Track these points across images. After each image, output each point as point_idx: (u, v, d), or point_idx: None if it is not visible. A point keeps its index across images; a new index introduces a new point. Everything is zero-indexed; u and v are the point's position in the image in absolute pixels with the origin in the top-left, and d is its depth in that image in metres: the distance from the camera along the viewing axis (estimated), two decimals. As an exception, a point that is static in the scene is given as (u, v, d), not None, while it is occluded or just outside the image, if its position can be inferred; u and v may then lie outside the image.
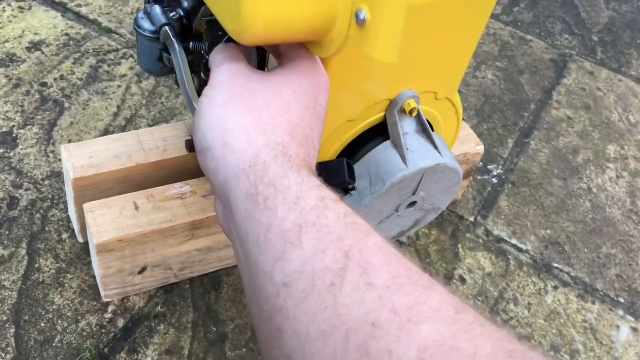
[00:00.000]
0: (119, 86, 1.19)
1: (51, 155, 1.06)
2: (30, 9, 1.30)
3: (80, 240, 0.94)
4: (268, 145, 0.50)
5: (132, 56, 1.25)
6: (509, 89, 1.41)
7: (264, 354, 0.43)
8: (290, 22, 0.52)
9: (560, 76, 1.47)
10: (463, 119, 1.11)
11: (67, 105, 1.14)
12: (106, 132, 1.11)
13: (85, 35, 1.27)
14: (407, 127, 0.79)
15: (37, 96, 1.14)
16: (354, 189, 0.79)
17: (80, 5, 1.33)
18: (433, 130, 0.85)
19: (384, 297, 0.36)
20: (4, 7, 1.29)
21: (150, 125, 1.13)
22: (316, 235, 0.41)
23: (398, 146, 0.78)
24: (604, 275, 1.10)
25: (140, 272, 0.88)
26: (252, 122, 0.52)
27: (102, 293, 0.89)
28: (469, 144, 1.05)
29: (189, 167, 0.90)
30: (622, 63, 1.55)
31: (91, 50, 1.23)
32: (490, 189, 1.19)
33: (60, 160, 1.05)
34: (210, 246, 0.91)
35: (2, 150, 1.05)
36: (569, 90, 1.44)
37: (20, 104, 1.12)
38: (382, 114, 0.79)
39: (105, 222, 0.82)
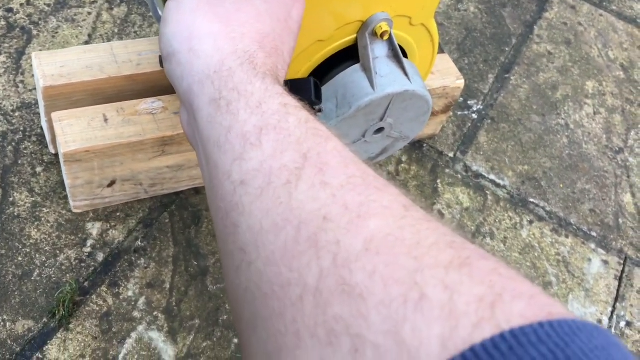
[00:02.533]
0: (89, 13, 1.13)
1: (20, 85, 1.02)
2: None
3: (52, 151, 0.93)
4: (235, 53, 0.50)
5: (102, -19, 1.19)
6: (490, 22, 1.39)
7: (220, 248, 0.44)
8: None
9: (542, 10, 1.45)
10: (445, 52, 1.10)
11: (35, 32, 1.09)
12: (78, 62, 1.06)
13: (51, -42, 1.20)
14: (378, 51, 0.78)
15: (3, 23, 1.08)
16: (320, 110, 0.78)
17: None
18: (407, 57, 0.84)
19: (337, 194, 0.37)
20: None
21: (123, 55, 1.08)
22: (276, 138, 0.42)
23: (367, 70, 0.77)
24: (578, 210, 1.12)
25: (110, 186, 0.88)
26: (220, 29, 0.51)
27: (71, 203, 0.89)
28: (449, 77, 1.04)
29: (162, 83, 0.88)
30: (604, -3, 1.53)
31: (58, -26, 1.17)
32: (469, 124, 1.19)
33: (30, 90, 1.01)
34: (182, 164, 0.90)
35: (-32, 80, 1.00)
36: (550, 24, 1.42)
37: (-15, 30, 1.07)
38: (354, 36, 0.77)
39: (73, 132, 0.81)
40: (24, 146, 0.95)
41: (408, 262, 0.32)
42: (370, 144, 0.86)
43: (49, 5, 1.12)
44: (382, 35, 0.76)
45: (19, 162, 0.94)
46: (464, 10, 1.39)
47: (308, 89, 0.69)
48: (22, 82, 1.02)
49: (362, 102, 0.77)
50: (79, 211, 0.90)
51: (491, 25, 1.38)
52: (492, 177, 1.12)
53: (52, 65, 0.86)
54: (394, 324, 0.29)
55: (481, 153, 1.15)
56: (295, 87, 0.69)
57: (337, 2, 0.73)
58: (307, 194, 0.38)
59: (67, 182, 0.86)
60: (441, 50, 1.04)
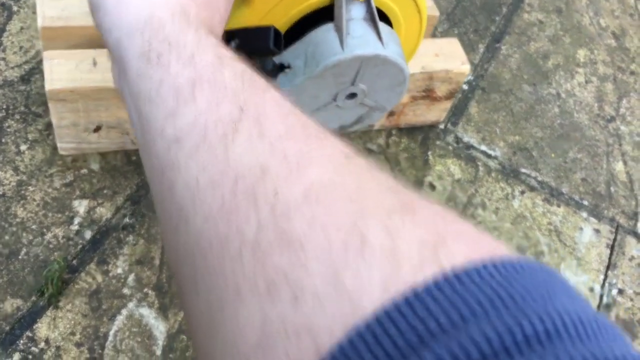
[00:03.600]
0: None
1: (2, 62, 1.00)
2: None
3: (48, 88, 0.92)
4: (166, 4, 0.48)
5: (83, -45, 1.16)
6: (480, -9, 1.37)
7: (157, 210, 0.42)
8: None
9: (533, -22, 1.43)
10: (442, 32, 1.08)
11: (15, 9, 1.06)
12: (60, 38, 1.04)
13: None
14: (354, 13, 0.76)
15: (-18, -1, 1.06)
16: (289, 66, 0.76)
17: None
18: (391, 26, 0.82)
19: (275, 145, 0.36)
20: None
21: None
22: (210, 90, 0.40)
23: (339, 30, 0.75)
24: (570, 179, 1.12)
25: (96, 131, 0.88)
26: None
27: (58, 145, 0.89)
28: (454, 61, 1.00)
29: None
30: (595, -35, 1.51)
31: (38, -52, 1.14)
32: (460, 95, 1.17)
33: (12, 68, 0.99)
34: None
35: (-52, 58, 0.98)
36: (540, -8, 1.40)
37: (-36, 7, 1.04)
38: None
39: (61, 71, 0.82)
40: (7, 124, 0.94)
41: (348, 208, 0.31)
42: (343, 110, 0.84)
43: (29, -20, 1.10)
44: None
45: (3, 140, 0.92)
46: (453, -21, 1.37)
47: (267, 36, 0.68)
48: (3, 59, 1.00)
49: (330, 61, 0.74)
50: (65, 153, 0.91)
51: (481, -5, 1.36)
52: (483, 148, 1.12)
53: (53, 8, 0.87)
54: (334, 270, 0.29)
55: (472, 124, 1.14)
56: (252, 34, 0.69)
57: None
58: (244, 146, 0.36)
59: (53, 121, 0.86)
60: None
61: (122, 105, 0.82)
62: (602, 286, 1.01)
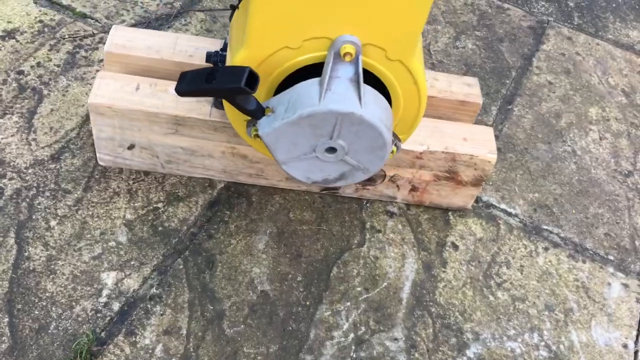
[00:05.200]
0: (98, 71, 1.17)
1: (33, 143, 1.04)
2: (0, -3, 1.27)
3: None
4: None
5: (109, 40, 1.22)
6: (489, 57, 1.41)
7: None
8: None
9: (539, 42, 1.48)
10: (483, 121, 1.11)
11: (45, 92, 1.11)
12: (87, 118, 1.09)
13: (59, 21, 1.24)
14: (342, 72, 0.80)
15: (14, 85, 1.12)
16: (272, 110, 0.80)
17: (52, -9, 1.30)
18: (389, 96, 0.86)
19: None
20: (-27, -4, 1.26)
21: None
22: None
23: (321, 84, 0.79)
24: (593, 234, 1.11)
25: (129, 148, 0.99)
26: None
27: (97, 155, 1.01)
28: (480, 148, 1.01)
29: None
30: (599, 27, 1.56)
31: (67, 36, 1.21)
32: (476, 156, 1.19)
33: (42, 147, 1.03)
34: (194, 149, 1.00)
35: (-18, 141, 1.03)
36: (548, 55, 1.44)
37: (-2, 93, 1.10)
38: (325, 53, 0.80)
39: (106, 89, 0.95)
40: (37, 201, 0.97)
41: None
42: (325, 163, 0.86)
43: (58, 66, 1.16)
44: (344, 56, 0.77)
45: (33, 217, 0.95)
46: (462, 47, 1.42)
47: (240, 74, 0.74)
48: (34, 140, 1.04)
49: (305, 111, 0.78)
50: (103, 164, 1.01)
51: (490, 60, 1.40)
52: (503, 206, 1.12)
53: (121, 37, 1.01)
54: None
55: (490, 183, 1.15)
56: (229, 72, 0.75)
57: (306, 13, 0.76)
58: None
59: (93, 132, 0.97)
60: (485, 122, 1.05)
61: (152, 129, 0.96)
62: (636, 342, 0.99)
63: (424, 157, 1.01)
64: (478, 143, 1.01)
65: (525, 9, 1.57)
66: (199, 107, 0.95)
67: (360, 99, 0.79)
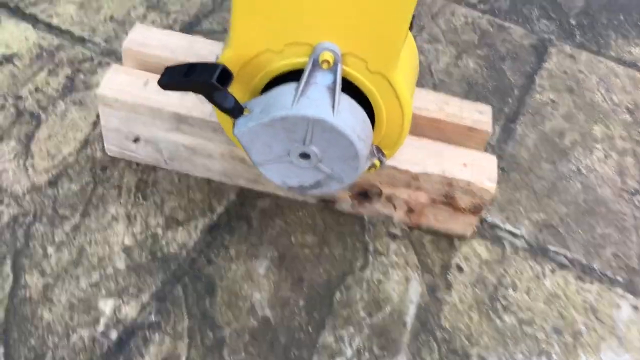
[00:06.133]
0: (96, 96, 1.16)
1: (30, 169, 1.03)
2: None
3: None
4: None
5: (107, 64, 1.22)
6: (491, 76, 1.40)
7: None
8: None
9: (541, 60, 1.47)
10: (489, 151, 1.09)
11: (43, 117, 1.11)
12: (86, 142, 1.08)
13: (58, 46, 1.24)
14: (320, 79, 0.80)
15: (12, 110, 1.11)
16: (249, 110, 0.81)
17: (51, 16, 1.30)
18: (371, 109, 0.85)
19: None
20: (-28, 22, 1.26)
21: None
22: None
23: (297, 89, 0.79)
24: (600, 255, 1.09)
25: (135, 141, 1.02)
26: None
27: (105, 146, 1.04)
28: (480, 174, 0.98)
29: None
30: (601, 45, 1.55)
31: (65, 61, 1.20)
32: (480, 176, 1.17)
33: (40, 173, 1.02)
34: (195, 148, 1.01)
35: (-21, 167, 1.01)
36: (550, 74, 1.43)
37: (-5, 118, 1.09)
38: (307, 59, 0.80)
39: (116, 82, 0.98)
40: (34, 228, 0.95)
41: None
42: (300, 169, 0.86)
43: (57, 90, 1.15)
44: (322, 64, 0.78)
45: (30, 244, 0.93)
46: (463, 66, 1.41)
47: (212, 71, 0.76)
48: (32, 165, 1.03)
49: (278, 114, 0.79)
50: (111, 154, 1.05)
51: (492, 79, 1.39)
52: (508, 227, 1.10)
53: (140, 35, 1.07)
54: None
55: (495, 204, 1.13)
56: (202, 68, 0.77)
57: (286, 18, 0.77)
58: None
59: (101, 122, 1.01)
60: (491, 150, 1.04)
61: (155, 124, 0.99)
62: (648, 365, 0.96)
63: (420, 178, 0.99)
64: (478, 170, 0.99)
65: (527, 27, 1.56)
66: (201, 107, 0.98)
67: (333, 106, 0.79)
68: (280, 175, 0.88)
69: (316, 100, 0.80)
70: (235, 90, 0.86)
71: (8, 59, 1.19)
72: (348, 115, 0.81)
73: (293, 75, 0.82)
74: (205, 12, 1.39)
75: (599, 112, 1.36)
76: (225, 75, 0.78)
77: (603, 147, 1.29)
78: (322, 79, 0.81)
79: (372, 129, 0.86)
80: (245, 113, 0.82)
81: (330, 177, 0.87)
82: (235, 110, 0.82)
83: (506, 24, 1.56)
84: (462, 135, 1.06)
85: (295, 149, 0.84)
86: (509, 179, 1.18)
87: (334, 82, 0.80)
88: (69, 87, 1.16)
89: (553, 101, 1.37)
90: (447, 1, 1.58)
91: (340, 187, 0.88)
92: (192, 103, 0.98)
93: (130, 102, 0.97)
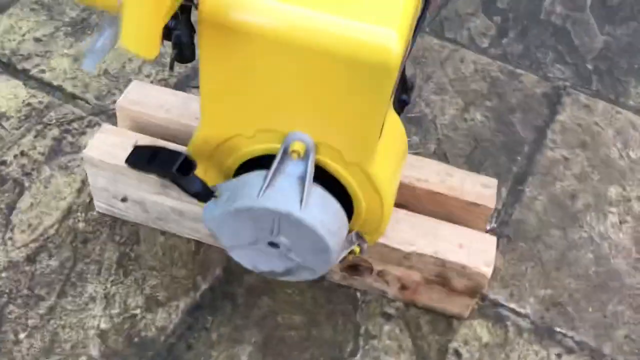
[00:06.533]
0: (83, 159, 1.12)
1: (9, 242, 0.99)
2: (-10, 78, 1.24)
3: None
4: None
5: (97, 123, 1.18)
6: (499, 130, 1.33)
7: None
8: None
9: (554, 112, 1.39)
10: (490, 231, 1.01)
11: (27, 184, 1.07)
12: (69, 211, 1.04)
13: (48, 104, 1.20)
14: (290, 169, 0.76)
15: (-5, 176, 1.08)
16: (215, 196, 0.79)
17: (43, 71, 1.27)
18: (350, 200, 0.80)
19: None
20: (-38, 79, 1.23)
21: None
22: None
23: (265, 178, 0.75)
24: (612, 337, 1.01)
25: (123, 200, 1.00)
26: None
27: (95, 202, 1.03)
28: (476, 257, 0.92)
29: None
30: (620, 92, 1.47)
31: (54, 121, 1.17)
32: (483, 246, 1.11)
33: (19, 248, 0.99)
34: (182, 210, 0.98)
35: (-45, 241, 0.98)
36: (563, 127, 1.36)
37: (-23, 186, 1.06)
38: (279, 146, 0.76)
39: (103, 142, 0.97)
40: (8, 310, 0.91)
41: None
42: (270, 256, 0.82)
43: (42, 154, 1.12)
44: (292, 154, 0.73)
45: (2, 328, 0.89)
46: (470, 119, 1.34)
47: (174, 160, 0.75)
48: (10, 239, 0.99)
49: (242, 204, 0.75)
50: (101, 211, 1.04)
51: (501, 133, 1.33)
52: (512, 305, 1.03)
53: (137, 93, 1.05)
54: None
55: (498, 278, 1.06)
56: (168, 156, 0.76)
57: (256, 104, 0.73)
58: None
59: (89, 181, 1.01)
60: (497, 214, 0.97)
61: (142, 188, 0.97)
62: None
63: (412, 258, 0.93)
64: (474, 252, 0.92)
65: (540, 74, 1.49)
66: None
67: (302, 199, 0.74)
68: (251, 260, 0.85)
69: (283, 192, 0.76)
70: (210, 169, 0.82)
71: (-5, 119, 1.16)
72: (318, 208, 0.76)
73: (266, 160, 0.78)
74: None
75: (615, 171, 1.28)
76: (188, 164, 0.76)
77: (618, 210, 1.21)
78: (293, 169, 0.76)
79: (347, 220, 0.81)
80: (216, 195, 0.79)
81: (302, 266, 0.82)
82: (202, 195, 0.79)
83: (518, 70, 1.49)
84: (463, 210, 1.00)
85: (264, 238, 0.80)
86: (515, 249, 1.11)
87: (304, 172, 0.76)
88: (56, 150, 1.13)
89: (565, 158, 1.29)
90: (457, 46, 1.52)
91: (313, 276, 0.84)
92: None
93: (116, 164, 0.95)
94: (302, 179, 0.76)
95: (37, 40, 1.33)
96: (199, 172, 0.80)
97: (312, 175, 0.76)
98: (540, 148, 1.31)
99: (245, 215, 0.77)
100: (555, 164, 1.28)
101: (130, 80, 1.26)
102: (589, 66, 1.54)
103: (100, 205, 1.03)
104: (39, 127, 1.16)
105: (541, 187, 1.23)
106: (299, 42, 0.66)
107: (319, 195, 0.77)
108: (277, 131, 0.75)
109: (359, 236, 0.86)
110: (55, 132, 1.16)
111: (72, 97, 1.23)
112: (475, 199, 0.99)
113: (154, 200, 0.98)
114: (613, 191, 1.24)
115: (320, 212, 0.77)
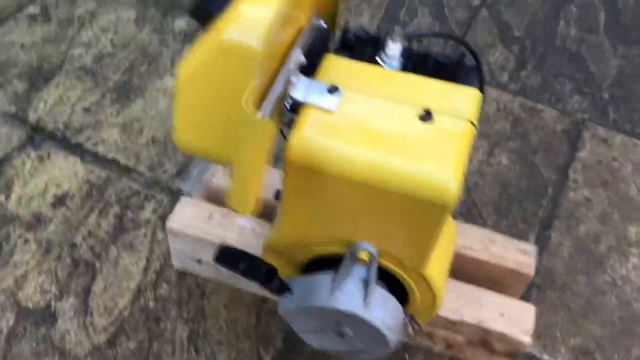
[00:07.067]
0: (145, 235, 1.22)
1: (90, 327, 1.10)
2: (49, 157, 1.33)
3: None
4: None
5: (153, 196, 1.28)
6: (524, 172, 1.42)
7: None
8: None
9: (574, 149, 1.47)
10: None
11: (98, 266, 1.17)
12: (139, 291, 1.14)
13: (106, 179, 1.30)
14: (355, 272, 0.86)
15: (69, 260, 1.18)
16: (291, 292, 0.90)
17: (96, 144, 1.36)
18: (405, 294, 0.90)
19: None
20: (23, 160, 1.32)
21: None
22: None
23: (334, 281, 0.86)
24: (636, 382, 1.12)
25: (198, 262, 1.14)
26: None
27: (173, 262, 1.17)
28: (515, 327, 1.02)
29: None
30: (636, 122, 1.54)
31: (114, 197, 1.27)
32: (516, 297, 1.21)
33: (99, 332, 1.09)
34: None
35: (43, 330, 1.09)
36: (584, 165, 1.44)
37: (54, 271, 1.16)
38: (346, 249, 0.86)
39: (183, 215, 1.11)
40: (98, 394, 1.03)
41: None
42: (336, 341, 0.93)
43: (107, 233, 1.22)
44: (359, 260, 0.84)
45: (96, 411, 1.01)
46: (496, 163, 1.43)
47: (259, 269, 0.88)
48: (91, 323, 1.10)
49: (314, 304, 0.86)
50: (176, 268, 1.18)
51: (525, 176, 1.41)
52: (545, 357, 1.14)
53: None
54: None
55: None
56: (253, 264, 0.88)
57: (329, 218, 0.83)
58: None
59: (170, 243, 1.15)
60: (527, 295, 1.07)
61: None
62: None
63: (457, 325, 1.03)
64: (514, 321, 1.03)
65: (559, 107, 1.56)
66: (257, 242, 1.04)
67: (365, 301, 0.86)
68: (319, 342, 0.96)
69: (349, 294, 0.86)
70: (281, 261, 0.92)
71: (61, 200, 1.26)
72: (379, 308, 0.87)
73: (334, 260, 0.87)
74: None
75: (635, 209, 1.37)
76: (270, 274, 0.88)
77: (638, 252, 1.30)
78: (358, 273, 0.86)
79: (402, 311, 0.91)
80: (290, 290, 0.90)
81: (364, 350, 0.93)
82: (280, 290, 0.90)
83: (539, 105, 1.56)
84: (504, 276, 1.10)
85: (331, 328, 0.90)
86: (545, 299, 1.21)
87: (368, 276, 0.85)
88: (119, 228, 1.22)
89: (587, 199, 1.38)
90: (478, 84, 1.58)
91: (374, 357, 0.94)
92: (250, 238, 1.09)
93: (194, 235, 1.09)
94: (366, 282, 0.86)
95: (87, 110, 1.42)
96: (272, 261, 0.91)
97: (375, 279, 0.85)
98: (563, 190, 1.39)
99: (316, 311, 0.87)
100: (578, 206, 1.36)
101: (177, 151, 1.35)
102: (605, 95, 1.60)
103: (176, 264, 1.17)
104: (101, 205, 1.26)
105: (566, 232, 1.32)
106: (371, 182, 0.75)
107: (381, 295, 0.87)
108: (345, 239, 0.84)
109: (413, 319, 0.96)
110: (116, 209, 1.25)
111: (127, 170, 1.32)
112: (515, 266, 1.08)
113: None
114: (633, 231, 1.33)
115: (382, 311, 0.87)
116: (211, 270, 1.15)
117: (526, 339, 1.02)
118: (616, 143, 1.49)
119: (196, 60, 0.69)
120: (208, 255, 1.08)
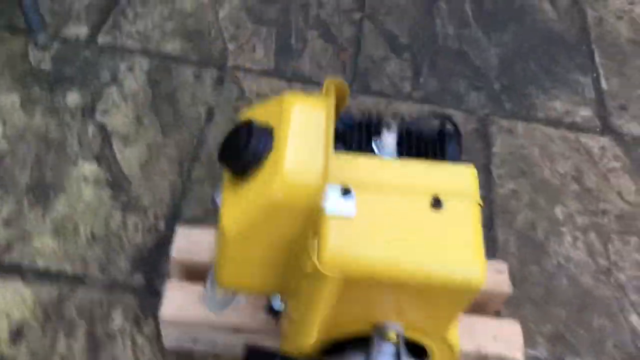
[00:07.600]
0: (124, 345, 1.15)
1: None
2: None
3: None
4: None
5: (117, 300, 1.20)
6: (454, 179, 1.51)
7: None
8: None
9: (488, 145, 1.59)
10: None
11: None
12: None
13: (59, 297, 1.19)
14: (385, 348, 0.91)
15: None
16: None
17: (33, 259, 1.24)
18: (426, 354, 0.97)
19: None
20: None
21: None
22: None
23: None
24: (605, 350, 1.27)
25: (194, 342, 1.12)
26: None
27: (164, 342, 1.14)
28: (509, 347, 1.10)
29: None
30: (528, 106, 1.69)
31: (75, 314, 1.17)
32: (488, 303, 1.30)
33: None
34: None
35: None
36: (501, 159, 1.56)
37: (42, 416, 1.06)
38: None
39: (174, 301, 1.07)
40: None
41: None
42: None
43: (83, 355, 1.13)
44: (388, 339, 0.89)
45: None
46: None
47: None
48: None
49: None
50: (169, 349, 1.15)
51: (457, 182, 1.50)
52: (529, 352, 1.25)
53: (184, 241, 1.14)
54: None
55: (510, 330, 1.27)
56: (263, 356, 0.93)
57: (363, 308, 0.86)
58: None
59: (162, 333, 1.12)
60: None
61: (216, 334, 1.10)
62: None
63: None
64: (507, 341, 1.12)
65: (463, 107, 1.67)
66: (255, 314, 1.08)
67: None
68: None
69: None
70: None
71: (18, 333, 1.14)
72: None
73: (360, 339, 0.90)
74: (177, 195, 1.38)
75: (553, 190, 1.52)
76: None
77: (568, 229, 1.45)
78: (387, 349, 0.91)
79: None
80: None
81: None
82: None
83: (447, 110, 1.66)
84: (484, 297, 1.18)
85: None
86: (511, 297, 1.32)
87: (397, 352, 0.90)
88: (94, 346, 1.14)
89: (514, 191, 1.51)
90: (388, 99, 1.65)
91: None
92: (247, 315, 1.08)
93: (191, 321, 1.08)
94: (395, 357, 0.90)
95: (7, 223, 1.28)
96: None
97: (406, 355, 0.89)
98: (493, 187, 1.51)
99: None
100: (508, 200, 1.49)
101: (118, 240, 1.28)
102: (496, 86, 1.74)
103: (169, 345, 1.14)
104: (64, 327, 1.16)
105: (507, 226, 1.44)
106: (403, 279, 0.79)
107: None
108: (371, 321, 0.88)
109: None
110: (83, 326, 1.16)
111: (78, 279, 1.22)
112: (494, 286, 1.17)
113: (224, 340, 1.11)
114: (559, 211, 1.48)
115: None
116: (208, 346, 1.13)
117: (520, 355, 1.12)
118: (519, 131, 1.64)
119: (245, 216, 0.67)
120: (204, 335, 1.10)
